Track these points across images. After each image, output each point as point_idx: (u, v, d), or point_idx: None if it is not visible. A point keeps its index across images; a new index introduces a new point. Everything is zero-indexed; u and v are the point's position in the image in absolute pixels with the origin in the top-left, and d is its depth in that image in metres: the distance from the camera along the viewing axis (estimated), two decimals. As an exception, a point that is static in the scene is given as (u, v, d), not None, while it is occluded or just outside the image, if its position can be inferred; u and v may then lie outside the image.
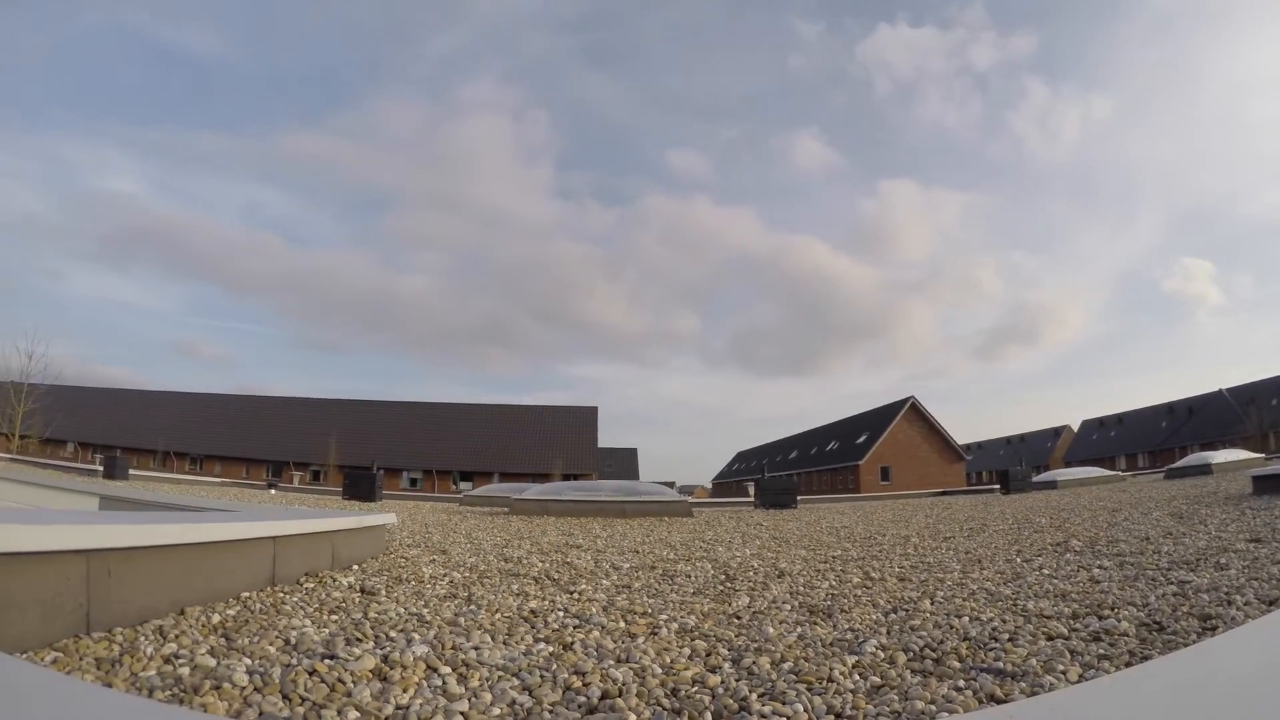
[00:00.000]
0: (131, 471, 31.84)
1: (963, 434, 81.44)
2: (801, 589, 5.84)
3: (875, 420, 74.23)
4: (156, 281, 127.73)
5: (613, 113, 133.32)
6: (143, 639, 3.55)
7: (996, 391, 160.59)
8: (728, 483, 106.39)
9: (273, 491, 32.32)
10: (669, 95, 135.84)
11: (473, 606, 4.95)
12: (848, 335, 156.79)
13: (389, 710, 2.72)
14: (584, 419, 72.73)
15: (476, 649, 3.67)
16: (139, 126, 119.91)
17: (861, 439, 72.98)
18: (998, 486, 32.40)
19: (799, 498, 24.25)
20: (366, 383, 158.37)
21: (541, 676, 3.18)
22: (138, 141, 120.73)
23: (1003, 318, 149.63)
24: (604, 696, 2.93)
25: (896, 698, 2.85)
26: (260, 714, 2.66)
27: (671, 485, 27.93)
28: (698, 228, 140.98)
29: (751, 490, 28.39)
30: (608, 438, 78.13)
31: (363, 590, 5.44)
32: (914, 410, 71.66)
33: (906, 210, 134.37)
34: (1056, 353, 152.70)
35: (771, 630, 4.16)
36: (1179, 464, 29.27)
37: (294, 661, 3.30)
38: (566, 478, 55.01)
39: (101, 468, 30.89)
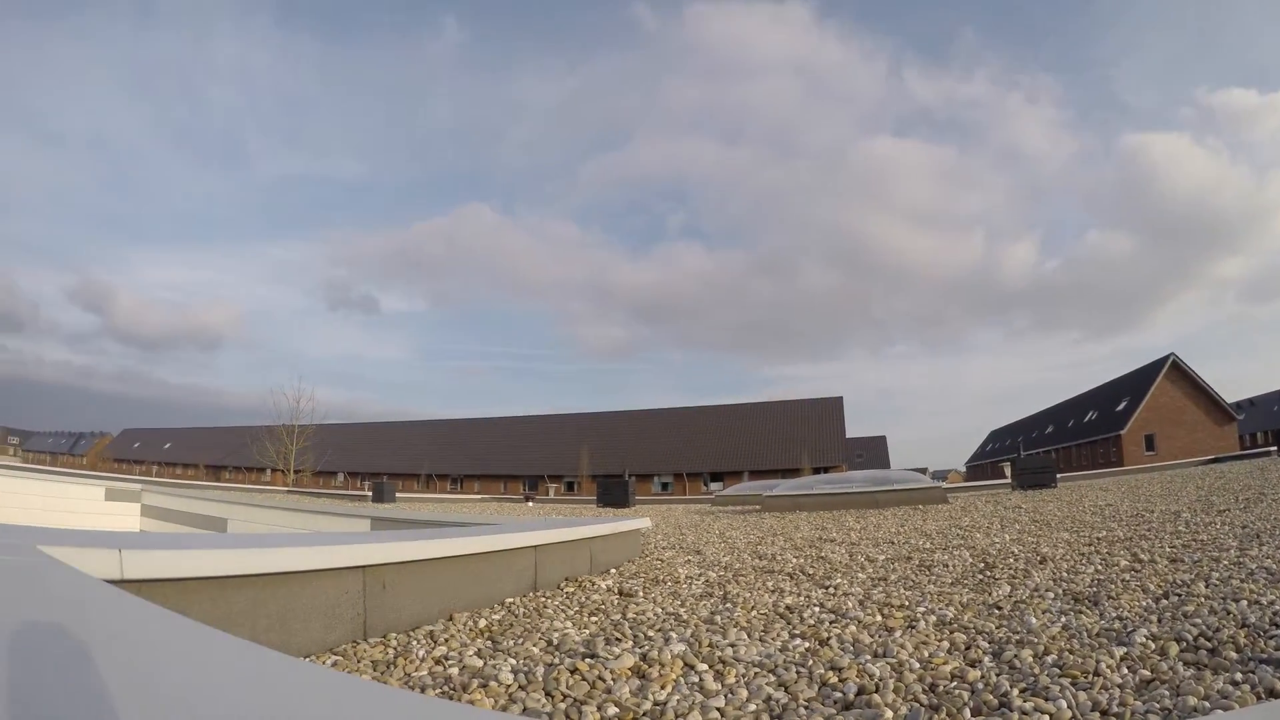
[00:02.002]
0: (398, 494, 33.76)
1: (1229, 389, 74.21)
2: (1065, 575, 5.57)
3: (1133, 384, 68.07)
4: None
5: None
6: (415, 643, 3.78)
7: (1269, 331, 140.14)
8: (981, 465, 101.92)
9: (530, 504, 33.42)
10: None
11: (728, 604, 4.97)
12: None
13: (647, 706, 2.78)
14: (829, 410, 71.47)
15: (733, 646, 3.69)
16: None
17: (1121, 406, 67.27)
18: (1275, 449, 29.80)
19: (1058, 475, 22.93)
20: (613, 395, 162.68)
21: (797, 672, 3.17)
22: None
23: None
24: (860, 692, 2.88)
25: (1168, 693, 2.66)
26: (524, 710, 2.78)
27: (924, 471, 27.25)
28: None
29: (1007, 471, 27.21)
30: (855, 427, 76.75)
31: (621, 592, 5.57)
32: (1175, 369, 64.69)
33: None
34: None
35: (1034, 620, 3.98)
36: None
37: (556, 661, 3.42)
38: (816, 471, 54.27)
39: (370, 493, 32.96)
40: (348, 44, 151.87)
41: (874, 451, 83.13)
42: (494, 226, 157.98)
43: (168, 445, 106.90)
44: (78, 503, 14.01)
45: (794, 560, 7.31)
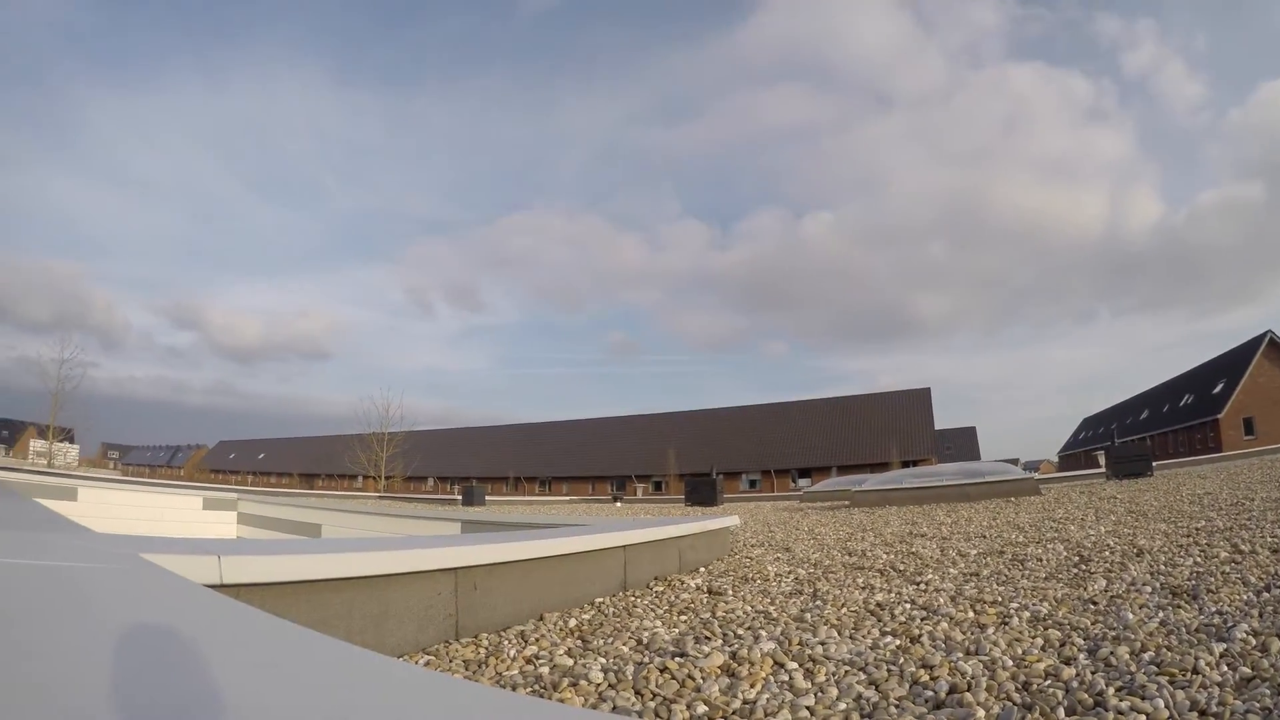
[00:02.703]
0: (487, 497, 34.16)
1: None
2: (1163, 568, 5.43)
3: (1230, 364, 65.27)
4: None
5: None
6: (506, 643, 3.85)
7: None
8: (1075, 454, 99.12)
9: (618, 504, 33.51)
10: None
11: (818, 602, 4.96)
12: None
13: (736, 705, 2.79)
14: (917, 402, 70.18)
15: (823, 644, 3.68)
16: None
17: (1218, 388, 64.57)
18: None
19: (1153, 463, 22.04)
20: (698, 395, 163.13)
21: (888, 670, 3.15)
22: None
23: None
24: (952, 691, 2.85)
25: (1269, 692, 2.58)
26: (614, 708, 2.81)
27: (1015, 462, 26.77)
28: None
29: (1101, 460, 26.46)
30: (944, 418, 75.42)
31: (710, 591, 5.58)
32: (1274, 347, 61.88)
33: None
34: None
35: (1130, 616, 3.89)
36: None
37: (646, 660, 3.45)
38: (905, 464, 53.56)
39: (460, 497, 33.39)
40: (402, 95, 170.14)
41: (963, 443, 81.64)
42: (562, 228, 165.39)
43: (261, 455, 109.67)
44: (177, 512, 14.45)
45: (884, 556, 7.25)
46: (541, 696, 2.97)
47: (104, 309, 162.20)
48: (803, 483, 59.62)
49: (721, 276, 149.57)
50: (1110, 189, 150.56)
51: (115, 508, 13.46)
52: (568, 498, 48.00)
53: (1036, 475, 20.39)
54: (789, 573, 6.40)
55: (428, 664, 3.50)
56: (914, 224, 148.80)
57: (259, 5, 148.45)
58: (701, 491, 26.01)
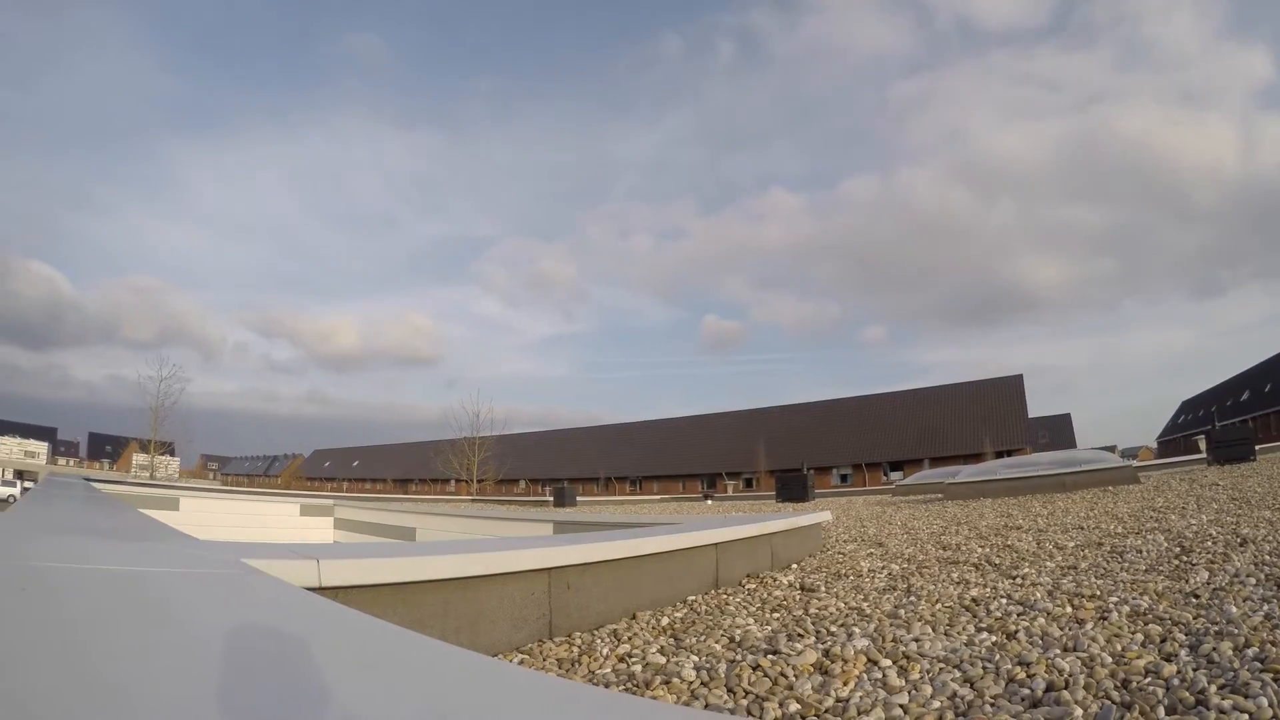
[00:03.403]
0: (578, 498, 34.44)
1: None
2: (1268, 558, 5.27)
3: None
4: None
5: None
6: (599, 641, 3.89)
7: None
8: (1174, 439, 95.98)
9: (709, 502, 33.58)
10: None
11: (912, 598, 4.91)
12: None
13: (829, 703, 2.79)
14: (1010, 390, 68.57)
15: (917, 641, 3.65)
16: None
17: None
18: None
19: (1256, 447, 21.22)
20: (785, 391, 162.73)
21: (984, 668, 3.12)
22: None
23: None
24: (1049, 689, 2.79)
25: None
26: (706, 706, 2.83)
27: (1112, 450, 26.12)
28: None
29: (1202, 444, 25.61)
30: (1037, 406, 73.51)
31: (802, 587, 5.57)
32: None
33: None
34: None
35: (1234, 610, 3.79)
36: None
37: (738, 657, 3.47)
38: (998, 455, 52.44)
39: (552, 498, 33.77)
40: (458, 133, 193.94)
41: (1059, 431, 79.58)
42: (648, 218, 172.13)
43: (356, 463, 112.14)
44: (275, 519, 14.91)
45: (979, 550, 7.16)
46: (634, 695, 3.00)
47: (203, 331, 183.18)
48: (894, 476, 58.86)
49: (819, 250, 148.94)
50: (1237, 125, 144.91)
51: (215, 516, 13.92)
52: (658, 497, 48.12)
53: (1134, 463, 19.86)
54: (882, 568, 6.36)
55: (522, 663, 3.56)
56: (1023, 172, 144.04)
57: (324, 63, 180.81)
58: (793, 487, 25.90)
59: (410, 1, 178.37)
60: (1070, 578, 5.25)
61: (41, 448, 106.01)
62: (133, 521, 5.46)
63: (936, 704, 2.72)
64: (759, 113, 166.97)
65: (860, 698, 2.82)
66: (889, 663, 3.28)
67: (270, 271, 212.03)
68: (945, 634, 3.82)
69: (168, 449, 71.55)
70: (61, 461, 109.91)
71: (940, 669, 3.16)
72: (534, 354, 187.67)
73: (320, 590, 2.92)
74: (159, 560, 2.97)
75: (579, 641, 3.93)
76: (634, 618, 4.54)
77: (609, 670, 3.40)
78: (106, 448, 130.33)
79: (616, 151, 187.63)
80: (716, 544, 5.75)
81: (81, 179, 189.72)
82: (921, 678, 3.06)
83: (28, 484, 59.44)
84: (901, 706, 2.70)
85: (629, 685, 3.15)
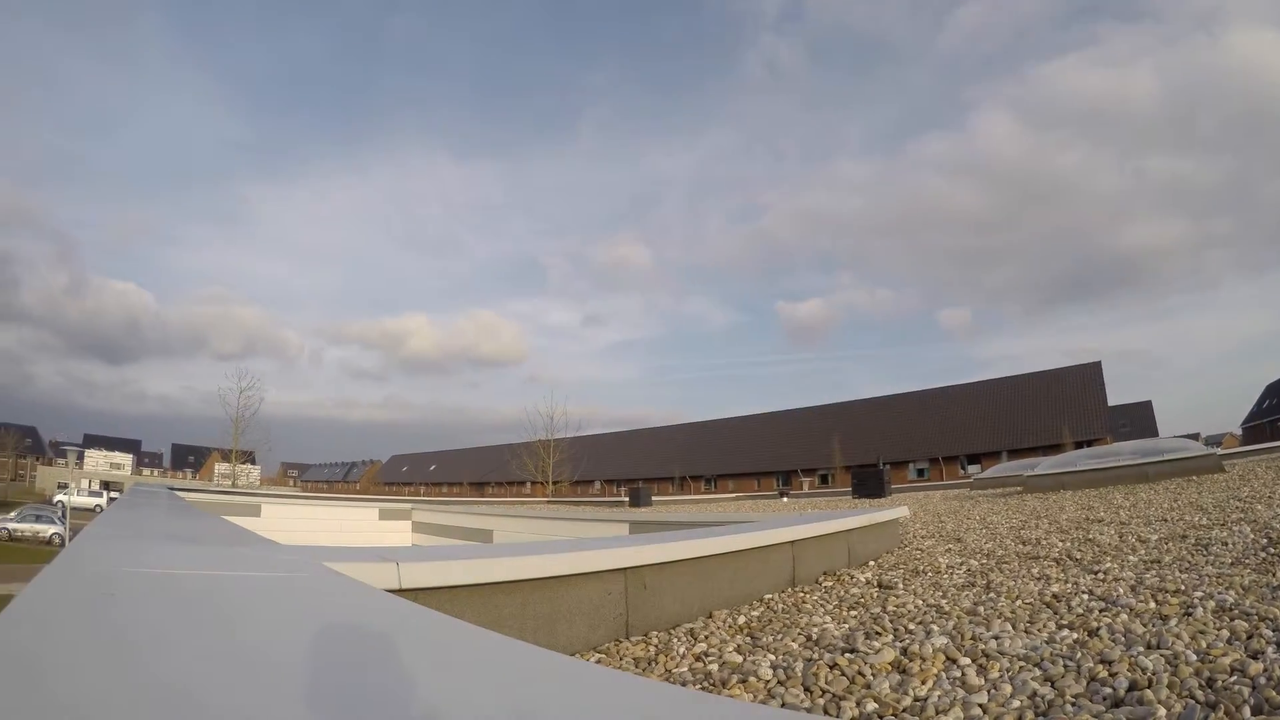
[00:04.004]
0: (653, 498, 34.54)
1: None
2: (1363, 549, 5.14)
3: None
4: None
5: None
6: (675, 640, 3.93)
7: None
8: (1259, 424, 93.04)
9: (784, 500, 33.43)
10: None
11: (991, 594, 4.87)
12: None
13: (907, 702, 2.79)
14: (1088, 377, 66.92)
15: (996, 638, 3.61)
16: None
17: None
18: None
19: None
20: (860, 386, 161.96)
21: (1064, 666, 3.08)
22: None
23: None
24: (1131, 688, 2.75)
25: None
26: (783, 704, 2.84)
27: (1195, 438, 25.47)
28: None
29: (1288, 429, 24.83)
30: (1117, 394, 71.65)
31: (880, 585, 5.55)
32: None
33: None
34: None
35: (1326, 603, 3.72)
36: None
37: (815, 656, 3.47)
38: (1078, 445, 51.39)
39: (627, 498, 33.88)
40: (511, 161, 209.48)
41: (1139, 419, 77.50)
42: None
43: (432, 467, 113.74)
44: (354, 523, 15.26)
45: (1059, 544, 7.05)
46: (711, 693, 3.01)
47: (281, 343, 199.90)
48: (972, 469, 57.98)
49: (894, 226, 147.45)
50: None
51: (296, 521, 14.29)
52: (733, 495, 47.95)
53: (1219, 451, 19.29)
54: (960, 564, 6.30)
55: (599, 662, 3.61)
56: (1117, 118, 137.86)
57: (384, 105, 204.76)
58: (869, 483, 25.66)
59: (461, 53, 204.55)
60: (1154, 572, 5.16)
61: (126, 459, 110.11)
62: (216, 528, 5.61)
63: (1016, 703, 2.69)
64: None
65: (939, 697, 2.81)
66: (968, 661, 3.27)
67: (346, 289, 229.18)
68: (1025, 631, 3.78)
69: (248, 458, 73.41)
70: (146, 472, 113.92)
71: (1020, 667, 3.13)
72: (607, 357, 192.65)
73: (400, 592, 3.00)
74: (243, 565, 3.08)
75: (655, 641, 3.97)
76: (710, 616, 4.56)
77: (685, 669, 3.42)
78: (189, 458, 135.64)
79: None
80: (793, 541, 5.75)
81: (170, 216, 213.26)
82: (1001, 676, 3.03)
83: (113, 494, 61.81)
84: (980, 706, 2.68)
85: (706, 684, 3.17)
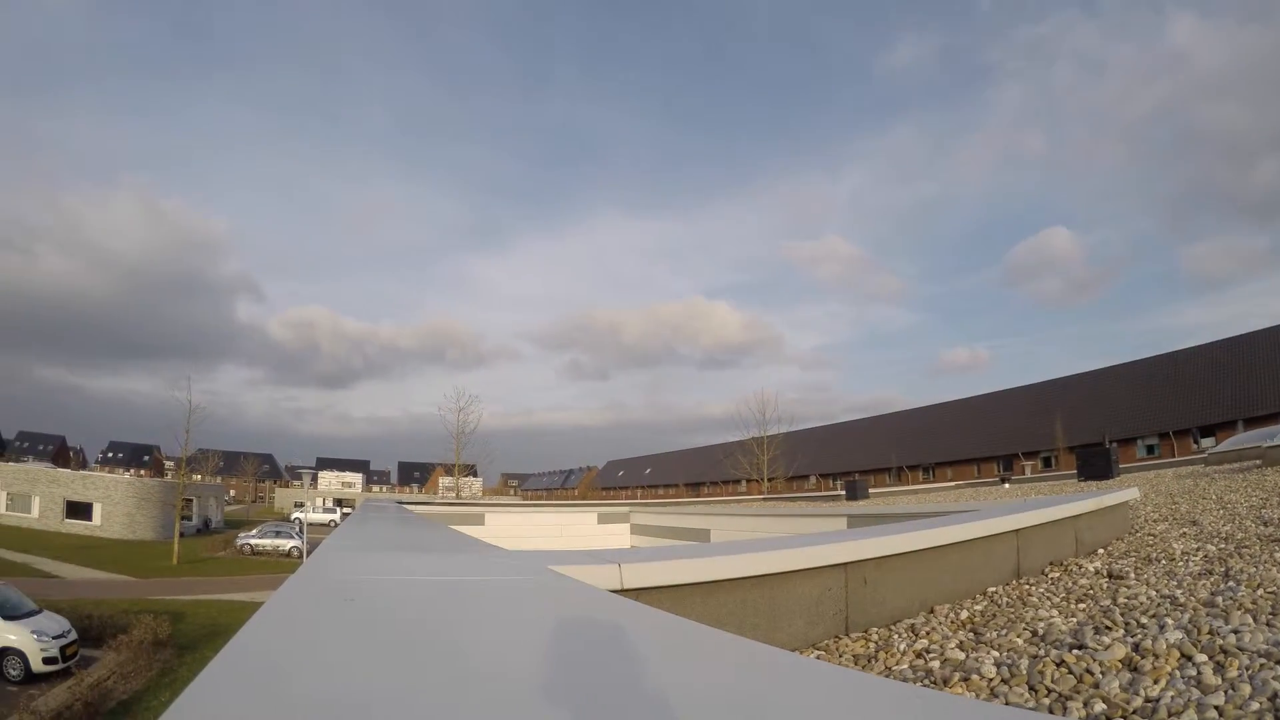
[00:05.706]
0: (871, 490, 34.15)
1: None
2: None
3: None
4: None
5: None
6: (895, 636, 3.93)
7: None
8: None
9: (1006, 485, 32.48)
10: None
11: (1231, 583, 4.63)
12: None
13: (1137, 703, 2.69)
14: (1332, 329, 61.26)
15: (1236, 632, 3.42)
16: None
17: None
18: None
19: None
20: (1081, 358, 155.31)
21: (1312, 663, 2.91)
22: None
23: None
24: (1389, 687, 2.57)
25: None
26: (1006, 703, 2.80)
27: None
28: None
29: None
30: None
31: (1110, 574, 5.36)
32: None
33: None
34: None
35: None
36: None
37: (1041, 653, 3.40)
38: (1326, 409, 47.45)
39: (844, 491, 33.64)
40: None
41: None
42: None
43: (648, 470, 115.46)
44: (575, 528, 15.81)
45: (1307, 524, 6.63)
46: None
47: (500, 359, 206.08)
48: (1205, 442, 54.39)
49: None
50: None
51: (519, 528, 14.94)
52: (952, 484, 46.73)
53: None
54: (1196, 550, 6.01)
55: (819, 658, 3.64)
56: None
57: (573, 189, 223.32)
58: (1095, 464, 24.52)
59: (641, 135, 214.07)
60: None
61: (356, 478, 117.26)
62: (444, 536, 5.94)
63: (1255, 705, 2.55)
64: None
65: (1171, 698, 2.69)
66: (1204, 658, 3.12)
67: (556, 325, 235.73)
68: (1268, 624, 3.57)
69: (470, 470, 76.75)
70: (375, 489, 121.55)
71: (1261, 665, 2.95)
72: (818, 356, 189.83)
73: (622, 592, 3.14)
74: (473, 570, 3.33)
75: (875, 637, 3.97)
76: (931, 611, 4.53)
77: (906, 666, 3.42)
78: (414, 474, 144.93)
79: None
80: (1016, 530, 5.63)
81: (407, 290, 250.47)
82: (1240, 675, 2.87)
83: (346, 510, 66.08)
84: (1216, 708, 2.55)
85: (927, 681, 3.16)
